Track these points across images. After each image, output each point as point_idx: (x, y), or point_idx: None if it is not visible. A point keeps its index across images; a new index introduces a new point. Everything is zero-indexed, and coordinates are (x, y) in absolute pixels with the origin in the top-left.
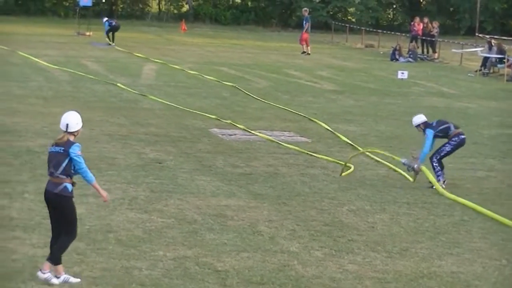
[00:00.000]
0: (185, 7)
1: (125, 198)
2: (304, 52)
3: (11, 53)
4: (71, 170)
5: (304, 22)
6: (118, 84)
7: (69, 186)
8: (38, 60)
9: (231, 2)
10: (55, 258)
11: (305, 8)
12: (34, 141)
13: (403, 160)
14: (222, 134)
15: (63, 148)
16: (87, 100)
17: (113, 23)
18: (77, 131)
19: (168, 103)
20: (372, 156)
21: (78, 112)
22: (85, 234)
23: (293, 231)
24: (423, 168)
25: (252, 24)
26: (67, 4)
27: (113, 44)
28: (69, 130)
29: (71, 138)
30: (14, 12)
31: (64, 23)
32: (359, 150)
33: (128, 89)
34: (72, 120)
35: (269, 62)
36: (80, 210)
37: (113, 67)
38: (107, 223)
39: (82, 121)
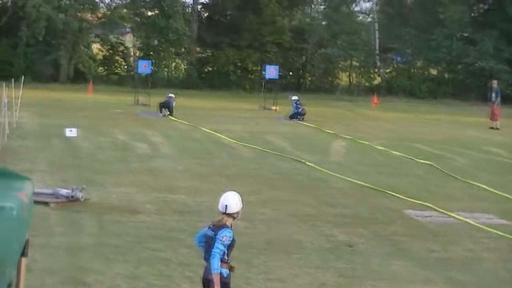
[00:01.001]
0: (377, 80)
1: (313, 283)
2: (492, 128)
3: (194, 129)
4: (225, 256)
5: (494, 95)
6: (305, 162)
7: (225, 272)
8: (221, 136)
9: (426, 74)
10: None
11: (495, 81)
12: None
13: None
14: (417, 216)
15: (214, 233)
16: (271, 178)
17: (300, 109)
18: (236, 212)
19: (359, 182)
20: None
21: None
22: None
23: None
24: None
25: (449, 98)
26: (253, 77)
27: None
28: (228, 212)
29: (230, 220)
30: (198, 86)
31: (249, 97)
32: None
33: (316, 166)
34: (232, 201)
35: (467, 138)
36: None
37: (300, 143)
38: None
39: (266, 200)
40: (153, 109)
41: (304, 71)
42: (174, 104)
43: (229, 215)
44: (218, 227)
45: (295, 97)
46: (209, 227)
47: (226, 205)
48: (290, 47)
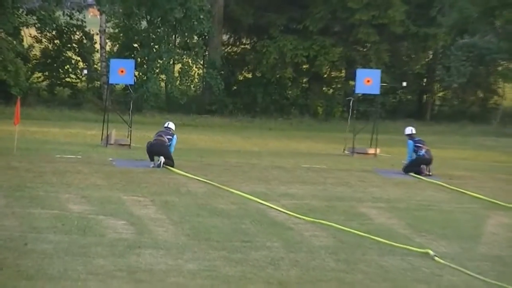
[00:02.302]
0: None
1: None
2: None
3: (217, 191)
4: None
5: None
6: (434, 256)
7: None
8: (270, 205)
9: None
10: None
11: None
12: None
13: None
14: None
15: None
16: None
17: (422, 152)
18: None
19: None
20: None
21: None
22: None
23: None
24: None
25: None
26: (330, 91)
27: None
28: None
29: None
30: (224, 110)
31: (323, 129)
32: None
33: (455, 266)
34: None
35: None
36: None
37: (423, 220)
38: None
39: None
40: (137, 153)
41: (431, 80)
42: (174, 142)
43: None
44: None
45: (410, 130)
46: None
47: None
48: (405, 33)
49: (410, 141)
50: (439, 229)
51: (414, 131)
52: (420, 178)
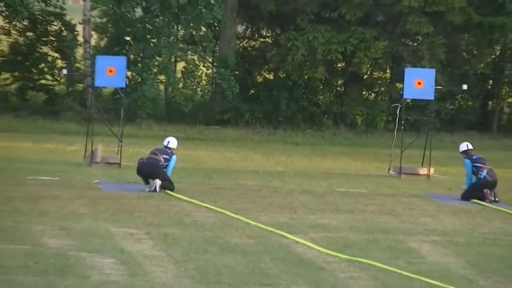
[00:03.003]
0: None
1: None
2: None
3: (229, 222)
4: None
5: None
6: None
7: None
8: (296, 239)
9: None
10: None
11: None
12: None
13: None
14: None
15: None
16: None
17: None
18: None
19: None
20: None
21: None
22: None
23: None
24: None
25: None
26: (372, 96)
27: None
28: None
29: None
30: (238, 119)
31: (362, 143)
32: None
33: None
34: None
35: None
36: None
37: (489, 260)
38: None
39: None
40: (128, 173)
41: (498, 82)
42: (173, 165)
43: None
44: None
45: (466, 146)
46: None
47: None
48: (466, 23)
49: (467, 160)
50: (509, 269)
51: (470, 147)
52: (484, 205)
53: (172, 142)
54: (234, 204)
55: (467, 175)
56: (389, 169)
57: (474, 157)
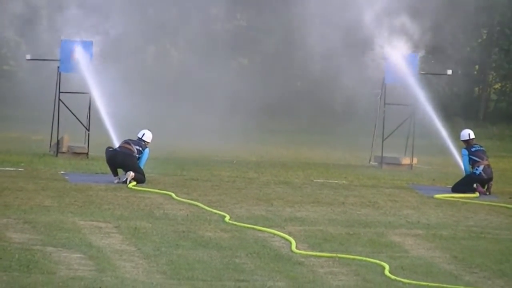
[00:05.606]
0: None
1: None
2: None
3: (202, 215)
4: None
5: None
6: None
7: None
8: (271, 231)
9: None
10: None
11: None
12: None
13: None
14: None
15: None
16: None
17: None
18: None
19: None
20: None
21: None
22: None
23: None
24: None
25: None
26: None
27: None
28: None
29: None
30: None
31: (343, 128)
32: None
33: None
34: None
35: None
36: None
37: (465, 251)
38: None
39: None
40: (96, 164)
41: (484, 66)
42: (146, 157)
43: None
44: None
45: (468, 135)
46: None
47: None
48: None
49: (465, 151)
50: (495, 264)
51: (472, 136)
52: (475, 197)
53: (147, 135)
54: (207, 196)
55: (464, 167)
56: (370, 159)
57: (473, 149)
